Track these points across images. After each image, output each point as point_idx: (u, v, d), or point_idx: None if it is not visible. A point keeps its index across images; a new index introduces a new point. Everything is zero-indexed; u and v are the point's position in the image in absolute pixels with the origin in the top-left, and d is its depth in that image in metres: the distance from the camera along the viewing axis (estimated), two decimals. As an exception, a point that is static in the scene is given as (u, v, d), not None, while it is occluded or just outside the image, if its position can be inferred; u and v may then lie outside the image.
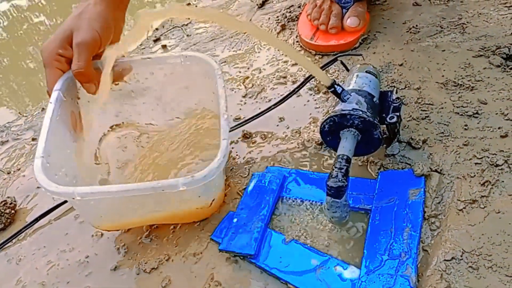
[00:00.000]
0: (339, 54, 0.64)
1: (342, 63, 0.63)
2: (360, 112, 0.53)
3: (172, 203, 0.56)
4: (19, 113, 1.02)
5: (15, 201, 0.72)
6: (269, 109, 0.74)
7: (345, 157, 0.51)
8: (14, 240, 0.67)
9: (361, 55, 0.67)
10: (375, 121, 0.53)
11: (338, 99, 0.57)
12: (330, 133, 0.56)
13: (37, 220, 0.68)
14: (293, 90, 0.72)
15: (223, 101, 0.58)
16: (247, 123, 0.73)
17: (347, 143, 0.53)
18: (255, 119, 0.74)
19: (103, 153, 0.68)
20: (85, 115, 0.63)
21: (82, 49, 0.57)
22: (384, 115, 0.58)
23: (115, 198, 0.52)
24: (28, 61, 1.44)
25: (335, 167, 0.50)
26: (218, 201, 0.61)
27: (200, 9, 0.52)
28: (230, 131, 0.71)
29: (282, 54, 0.89)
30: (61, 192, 0.49)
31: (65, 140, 0.59)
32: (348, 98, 0.54)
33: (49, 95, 0.59)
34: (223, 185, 0.61)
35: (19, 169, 0.82)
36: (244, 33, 0.99)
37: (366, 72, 0.60)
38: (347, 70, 0.64)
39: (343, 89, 0.54)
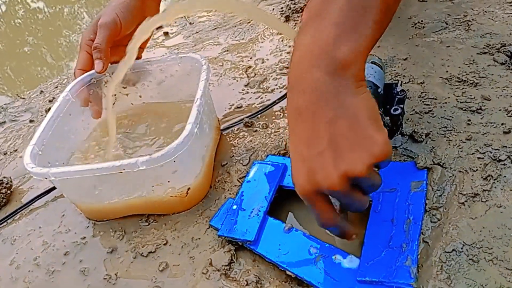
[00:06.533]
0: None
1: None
2: (365, 102, 0.52)
3: (141, 186, 0.56)
4: (16, 94, 1.01)
5: (11, 181, 0.71)
6: (274, 103, 0.74)
7: (348, 146, 0.51)
8: (9, 220, 0.66)
9: (366, 46, 0.67)
10: (380, 112, 0.53)
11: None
12: (334, 122, 0.56)
13: (33, 201, 0.68)
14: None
15: (200, 90, 0.59)
16: (254, 116, 0.73)
17: (350, 133, 0.53)
18: (260, 113, 0.73)
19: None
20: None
21: (102, 28, 0.65)
22: (388, 106, 0.57)
23: (86, 179, 0.55)
24: (25, 48, 1.43)
25: (338, 156, 0.50)
26: (197, 191, 0.60)
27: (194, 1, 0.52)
28: (233, 126, 0.71)
29: (286, 45, 0.88)
30: (38, 173, 0.53)
31: (64, 137, 0.65)
32: (353, 88, 0.54)
33: (75, 75, 0.69)
34: (201, 174, 0.60)
35: (15, 150, 0.82)
36: (249, 22, 0.98)
37: (371, 62, 0.59)
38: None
39: (348, 78, 0.54)
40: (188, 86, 0.69)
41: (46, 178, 0.54)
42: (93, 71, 0.68)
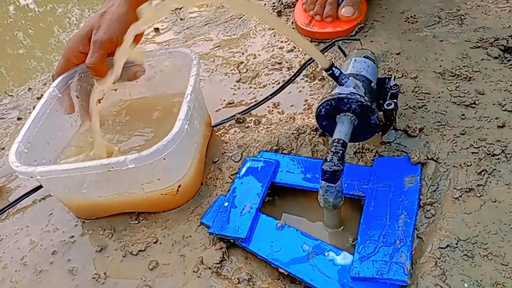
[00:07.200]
0: (337, 39, 0.63)
1: (339, 48, 0.62)
2: (358, 96, 0.51)
3: (131, 184, 0.55)
4: (4, 92, 0.99)
5: (-2, 179, 0.70)
6: (266, 99, 0.73)
7: (341, 141, 0.50)
8: (-5, 220, 0.65)
9: (359, 40, 0.66)
10: (373, 106, 0.52)
11: (334, 84, 0.56)
12: (326, 117, 0.55)
13: (20, 199, 0.66)
14: (290, 79, 0.71)
15: (190, 86, 0.58)
16: (246, 113, 0.72)
17: (343, 128, 0.52)
18: (252, 109, 0.72)
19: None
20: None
21: (97, 46, 0.61)
22: (381, 101, 0.57)
23: (73, 177, 0.53)
24: (15, 45, 1.41)
25: (331, 151, 0.49)
26: (188, 188, 0.59)
27: None
28: (224, 122, 0.70)
29: (278, 40, 0.87)
30: (23, 172, 0.52)
31: (51, 134, 0.62)
32: (345, 82, 0.53)
33: (54, 81, 0.66)
34: (192, 171, 0.59)
35: (3, 148, 0.80)
36: (240, 17, 0.97)
37: (364, 57, 0.59)
38: (345, 55, 0.63)
39: (341, 72, 0.53)
40: (178, 81, 0.68)
41: (32, 177, 0.52)
42: (79, 66, 0.67)
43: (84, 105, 0.68)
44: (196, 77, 0.60)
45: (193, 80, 0.59)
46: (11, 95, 0.97)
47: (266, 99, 0.73)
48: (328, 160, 0.48)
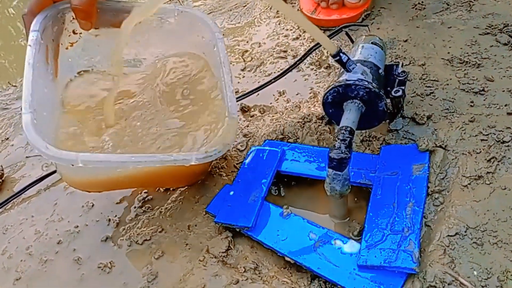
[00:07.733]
0: (344, 25, 0.62)
1: (347, 34, 0.61)
2: (366, 83, 0.51)
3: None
4: (8, 82, 0.98)
5: (2, 169, 0.70)
6: (269, 82, 0.72)
7: (348, 128, 0.49)
8: (1, 210, 0.65)
9: (367, 25, 0.65)
10: (381, 93, 0.51)
11: (341, 71, 0.55)
12: (333, 104, 0.54)
13: (25, 189, 0.66)
14: (295, 63, 0.70)
15: (228, 70, 0.56)
16: (246, 96, 0.71)
17: (350, 115, 0.51)
18: (254, 92, 0.72)
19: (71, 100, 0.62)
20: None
21: None
22: (389, 88, 0.56)
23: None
24: (20, 39, 1.41)
25: (338, 139, 0.48)
26: (201, 167, 0.58)
27: None
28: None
29: (283, 29, 0.86)
30: (62, 158, 0.44)
31: (42, 94, 0.51)
32: (353, 68, 0.52)
33: (25, 21, 0.53)
34: None
35: (7, 139, 0.80)
36: (245, 5, 0.96)
37: (372, 43, 0.58)
38: (352, 41, 0.62)
39: (348, 58, 0.52)
40: (176, 42, 0.65)
41: (72, 165, 0.44)
42: (58, 4, 0.56)
43: (56, 50, 0.58)
44: (226, 56, 0.57)
45: (227, 64, 0.56)
46: (15, 86, 0.97)
47: (269, 82, 0.72)
48: (336, 147, 0.47)
